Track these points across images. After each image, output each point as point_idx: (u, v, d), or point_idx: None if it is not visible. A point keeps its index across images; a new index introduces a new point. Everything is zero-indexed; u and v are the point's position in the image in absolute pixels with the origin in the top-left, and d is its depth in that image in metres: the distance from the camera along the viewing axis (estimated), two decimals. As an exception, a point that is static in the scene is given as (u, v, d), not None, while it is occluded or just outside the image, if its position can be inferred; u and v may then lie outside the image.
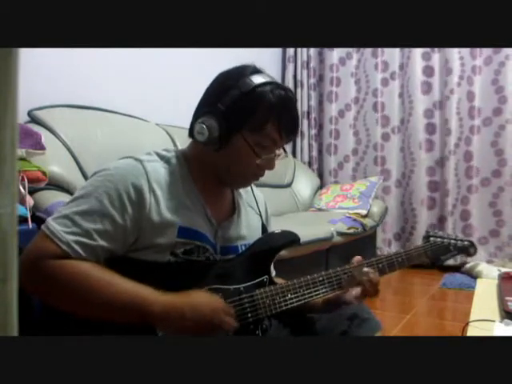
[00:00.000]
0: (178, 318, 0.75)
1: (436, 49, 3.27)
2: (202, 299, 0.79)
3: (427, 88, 3.31)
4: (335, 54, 3.56)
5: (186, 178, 0.89)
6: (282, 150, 0.92)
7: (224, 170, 0.90)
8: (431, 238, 1.08)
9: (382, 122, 3.48)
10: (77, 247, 0.75)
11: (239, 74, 0.86)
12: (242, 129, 0.85)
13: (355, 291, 0.94)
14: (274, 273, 1.08)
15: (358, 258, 0.98)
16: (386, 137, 3.48)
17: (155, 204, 0.82)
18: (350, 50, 3.57)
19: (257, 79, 0.85)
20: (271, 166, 0.91)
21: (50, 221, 0.78)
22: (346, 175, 3.62)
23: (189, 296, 0.78)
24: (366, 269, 0.95)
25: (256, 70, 0.88)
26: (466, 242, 1.09)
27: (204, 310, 0.77)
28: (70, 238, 0.75)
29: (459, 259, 3.07)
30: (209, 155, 0.89)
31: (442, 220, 3.33)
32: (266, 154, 0.88)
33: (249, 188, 1.03)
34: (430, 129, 3.33)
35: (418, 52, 3.30)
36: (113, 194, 0.79)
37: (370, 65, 3.50)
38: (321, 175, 3.69)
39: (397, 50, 3.41)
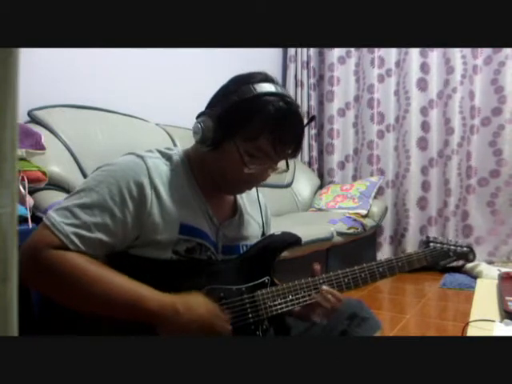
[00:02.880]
0: (172, 317, 0.76)
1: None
2: (197, 301, 0.79)
3: (424, 85, 3.28)
4: (335, 53, 3.55)
5: (187, 176, 0.89)
6: (282, 163, 0.89)
7: (217, 173, 0.90)
8: (431, 244, 1.08)
9: (378, 119, 3.44)
10: (75, 238, 0.76)
11: (244, 80, 0.84)
12: (235, 135, 0.83)
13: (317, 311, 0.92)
14: None
15: (316, 267, 0.97)
16: (380, 135, 3.45)
17: (156, 200, 0.82)
18: (350, 48, 3.55)
19: (261, 88, 0.82)
20: (263, 178, 0.88)
21: (51, 212, 0.78)
22: (347, 175, 3.60)
23: (185, 297, 0.79)
24: (324, 288, 0.93)
25: (265, 79, 0.85)
26: (465, 248, 1.10)
27: (199, 312, 0.78)
28: (69, 229, 0.76)
29: (461, 261, 3.06)
30: (206, 155, 0.89)
31: (440, 220, 3.31)
32: (257, 164, 0.85)
33: (253, 190, 1.01)
34: (426, 127, 3.29)
35: (415, 49, 3.26)
36: (114, 189, 0.79)
37: (366, 60, 3.47)
38: (321, 175, 3.68)
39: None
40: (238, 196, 1.01)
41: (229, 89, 0.85)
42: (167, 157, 0.89)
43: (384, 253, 3.38)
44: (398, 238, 3.43)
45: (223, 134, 0.84)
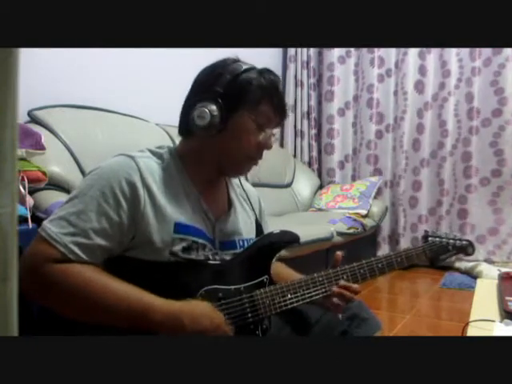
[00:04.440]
0: (177, 328, 0.75)
1: (432, 49, 3.28)
2: (203, 312, 0.78)
3: (422, 87, 3.31)
4: (335, 53, 3.55)
5: (180, 174, 0.89)
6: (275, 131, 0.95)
7: (224, 156, 0.91)
8: (430, 238, 1.08)
9: (377, 119, 3.47)
10: (75, 248, 0.75)
11: (224, 63, 0.90)
12: (240, 107, 0.88)
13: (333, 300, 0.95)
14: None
15: (338, 254, 0.99)
16: (379, 135, 3.48)
17: (149, 200, 0.82)
18: (350, 48, 3.56)
19: (244, 65, 0.90)
20: (269, 145, 0.92)
21: (46, 223, 0.77)
22: (347, 175, 3.61)
23: (190, 306, 0.78)
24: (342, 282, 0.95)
25: (238, 60, 0.92)
26: (464, 242, 1.10)
27: (204, 324, 0.77)
28: (67, 239, 0.75)
29: (454, 256, 3.07)
30: (207, 144, 0.90)
31: (441, 220, 3.32)
32: (264, 130, 0.91)
33: (240, 184, 1.05)
34: (422, 128, 3.33)
35: (413, 51, 3.31)
36: (107, 191, 0.79)
37: (366, 60, 3.50)
38: (320, 175, 3.69)
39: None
40: (231, 190, 1.02)
41: (215, 73, 0.89)
42: (158, 155, 0.89)
43: (383, 252, 3.38)
44: (395, 238, 3.46)
45: (229, 109, 0.87)
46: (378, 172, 3.47)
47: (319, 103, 3.71)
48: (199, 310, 0.78)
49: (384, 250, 3.43)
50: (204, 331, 0.76)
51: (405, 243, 3.34)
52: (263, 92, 0.88)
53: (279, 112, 0.92)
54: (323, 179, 3.65)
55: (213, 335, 0.77)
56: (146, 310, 0.74)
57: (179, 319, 0.75)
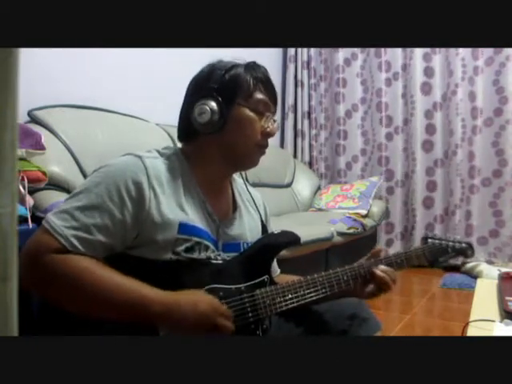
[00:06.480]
0: (176, 317, 0.76)
1: (437, 50, 3.29)
2: (201, 300, 0.79)
3: (428, 89, 3.34)
4: (340, 55, 3.56)
5: (186, 175, 0.90)
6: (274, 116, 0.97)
7: (233, 149, 0.91)
8: (429, 240, 1.08)
9: (386, 122, 3.51)
10: (75, 241, 0.76)
11: (212, 64, 0.93)
12: (236, 99, 0.89)
13: (369, 288, 0.98)
14: (278, 271, 1.08)
15: (378, 249, 1.02)
16: (389, 137, 3.52)
17: (155, 200, 0.82)
18: (355, 50, 3.58)
19: (231, 62, 0.92)
20: (272, 130, 0.93)
21: (49, 216, 0.78)
22: (354, 175, 3.63)
23: (188, 295, 0.78)
24: (383, 267, 0.98)
25: (222, 60, 0.94)
26: (463, 244, 1.10)
27: (203, 311, 0.77)
28: (69, 232, 0.76)
29: (461, 259, 3.08)
30: (212, 141, 0.91)
31: (442, 219, 3.35)
32: (264, 116, 0.92)
33: (245, 188, 1.05)
34: (431, 129, 3.36)
35: (419, 53, 3.34)
36: (112, 189, 0.79)
37: (374, 65, 3.53)
38: (329, 176, 3.71)
39: (399, 50, 3.43)
40: (236, 193, 1.02)
41: (205, 74, 0.92)
42: (165, 156, 0.90)
43: (395, 249, 3.46)
44: (407, 235, 3.51)
45: (228, 102, 0.88)
46: (389, 173, 3.52)
47: (320, 103, 3.71)
48: (197, 298, 0.79)
49: (397, 246, 3.49)
50: (202, 316, 0.77)
51: (417, 241, 3.38)
52: (255, 81, 0.91)
53: (273, 98, 0.95)
54: (333, 179, 3.67)
55: (211, 322, 0.78)
56: (145, 301, 0.75)
57: (177, 308, 0.76)
